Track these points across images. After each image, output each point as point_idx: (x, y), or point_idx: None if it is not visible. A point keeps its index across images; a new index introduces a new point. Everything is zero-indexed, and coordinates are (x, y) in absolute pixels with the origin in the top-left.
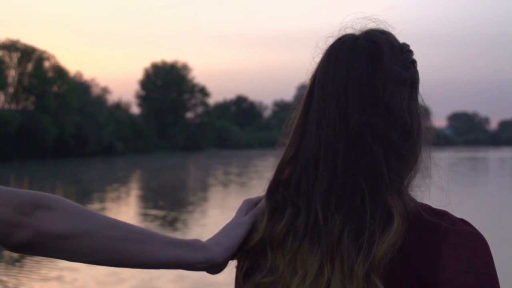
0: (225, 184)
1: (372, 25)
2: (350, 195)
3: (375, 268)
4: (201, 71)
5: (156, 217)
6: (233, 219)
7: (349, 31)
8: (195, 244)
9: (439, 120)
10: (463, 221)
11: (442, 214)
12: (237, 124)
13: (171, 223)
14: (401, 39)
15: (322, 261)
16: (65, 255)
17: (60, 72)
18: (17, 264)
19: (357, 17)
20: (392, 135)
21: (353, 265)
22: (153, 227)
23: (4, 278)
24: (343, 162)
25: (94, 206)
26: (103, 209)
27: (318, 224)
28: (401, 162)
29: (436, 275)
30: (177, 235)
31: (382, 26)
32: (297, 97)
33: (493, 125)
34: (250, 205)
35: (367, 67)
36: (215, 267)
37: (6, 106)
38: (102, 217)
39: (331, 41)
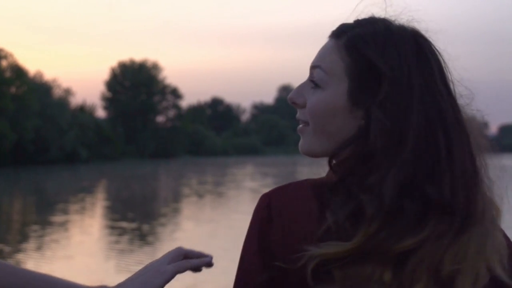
0: (200, 195)
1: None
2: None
3: None
4: (173, 70)
5: (125, 230)
6: (157, 262)
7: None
8: None
9: None
10: None
11: None
12: (212, 129)
13: (142, 237)
14: None
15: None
16: None
17: (18, 72)
18: None
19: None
20: None
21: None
22: (122, 241)
23: None
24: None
25: (57, 219)
26: (67, 221)
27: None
28: None
29: None
30: (149, 250)
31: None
32: (279, 99)
33: (493, 130)
34: (179, 254)
35: None
36: None
37: None
38: None
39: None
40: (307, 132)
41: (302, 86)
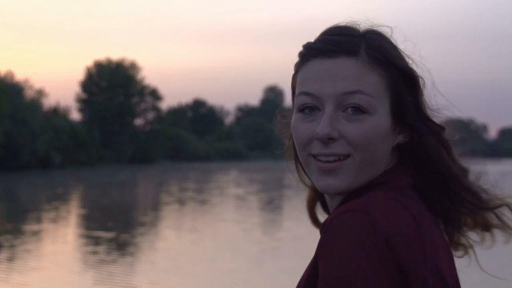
0: (181, 202)
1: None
2: None
3: None
4: (152, 70)
5: (103, 240)
6: None
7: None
8: None
9: None
10: None
11: None
12: (194, 132)
13: (121, 247)
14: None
15: None
16: None
17: None
18: None
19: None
20: None
21: None
22: (100, 251)
23: None
24: None
25: (30, 228)
26: (40, 231)
27: None
28: None
29: None
30: (128, 260)
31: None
32: (265, 101)
33: (492, 133)
34: None
35: None
36: None
37: None
38: None
39: None
40: (347, 166)
41: (331, 117)
